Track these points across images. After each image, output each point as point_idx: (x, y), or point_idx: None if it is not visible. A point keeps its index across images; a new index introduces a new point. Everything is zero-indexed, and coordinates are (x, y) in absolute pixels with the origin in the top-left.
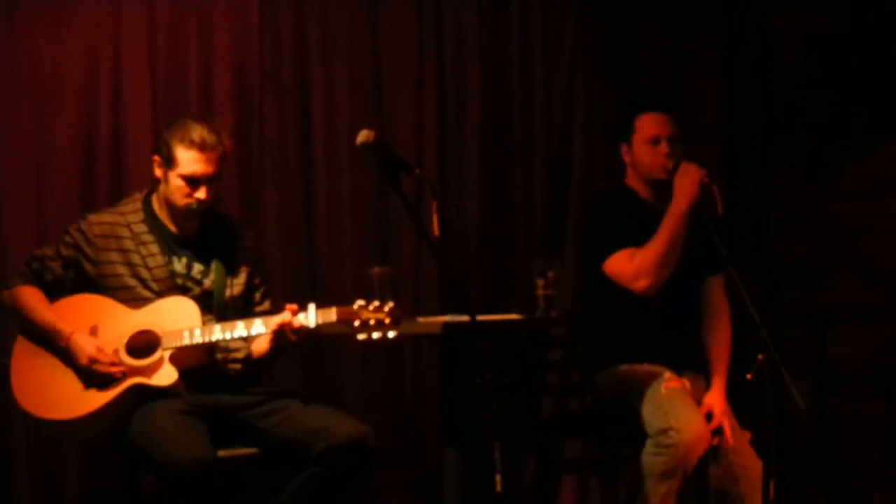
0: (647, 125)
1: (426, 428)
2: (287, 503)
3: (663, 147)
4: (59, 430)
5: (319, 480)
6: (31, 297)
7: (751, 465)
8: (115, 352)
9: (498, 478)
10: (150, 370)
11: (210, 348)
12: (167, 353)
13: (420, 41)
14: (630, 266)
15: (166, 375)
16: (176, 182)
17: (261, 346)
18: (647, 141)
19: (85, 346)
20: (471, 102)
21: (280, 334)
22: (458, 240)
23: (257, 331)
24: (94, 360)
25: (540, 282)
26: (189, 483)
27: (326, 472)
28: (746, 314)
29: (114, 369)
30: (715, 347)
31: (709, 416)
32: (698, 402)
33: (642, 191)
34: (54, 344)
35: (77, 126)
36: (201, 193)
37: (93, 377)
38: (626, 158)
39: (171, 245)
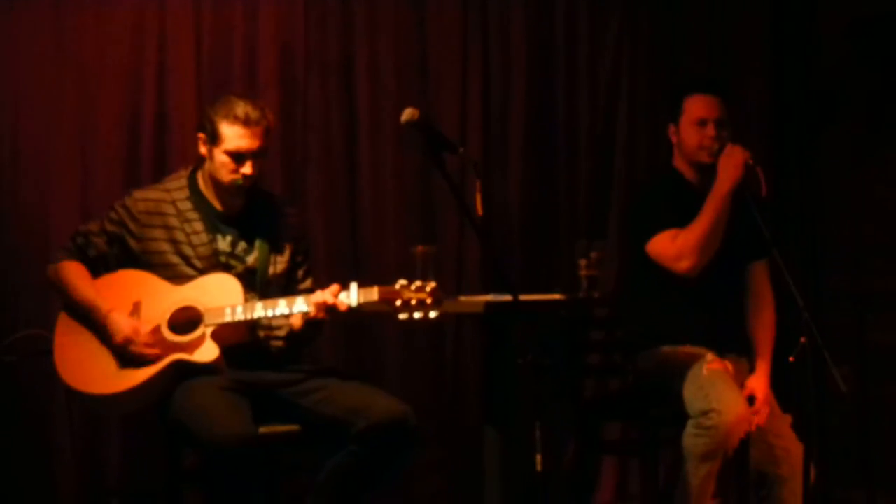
0: (695, 106)
1: (467, 407)
2: (326, 482)
3: (710, 129)
4: (101, 405)
5: (358, 459)
6: (74, 273)
7: (792, 449)
8: (157, 328)
9: (538, 458)
10: (191, 346)
11: (252, 326)
12: (209, 330)
13: (465, 21)
14: (673, 247)
15: (208, 352)
16: (221, 158)
17: (296, 321)
18: (693, 122)
19: (122, 324)
20: (516, 82)
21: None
22: (502, 219)
23: (299, 308)
24: (128, 341)
25: (583, 262)
26: (230, 460)
27: (366, 451)
28: (789, 297)
29: (148, 351)
30: (759, 333)
31: (751, 400)
32: (741, 385)
33: (688, 173)
34: (93, 321)
35: (122, 104)
36: (247, 169)
37: (127, 356)
38: (674, 139)
39: (215, 223)
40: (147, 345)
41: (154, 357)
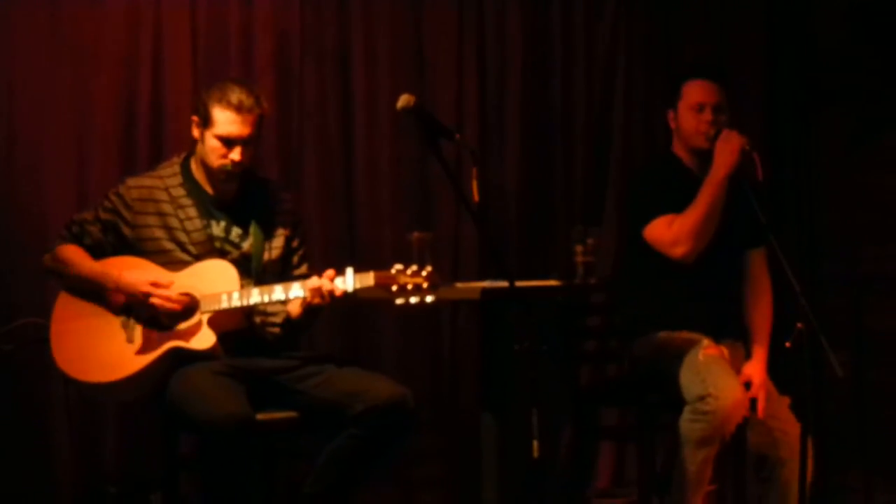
0: (693, 91)
1: (464, 394)
2: (324, 465)
3: (707, 114)
4: (98, 393)
5: (358, 442)
6: (75, 254)
7: (790, 430)
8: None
9: (535, 444)
10: (188, 333)
11: (248, 312)
12: (205, 317)
13: (461, 7)
14: (669, 232)
15: (204, 339)
16: (211, 142)
17: (294, 309)
18: (691, 107)
19: (139, 277)
20: (512, 69)
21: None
22: (498, 206)
23: (295, 294)
24: (157, 285)
25: (579, 248)
26: (227, 442)
27: (365, 433)
28: (786, 283)
29: (171, 304)
30: (756, 319)
31: (747, 386)
32: (737, 370)
33: (686, 158)
34: (102, 292)
35: (117, 90)
36: (236, 155)
37: (149, 316)
38: (672, 125)
39: (209, 208)
40: (170, 298)
41: (178, 308)
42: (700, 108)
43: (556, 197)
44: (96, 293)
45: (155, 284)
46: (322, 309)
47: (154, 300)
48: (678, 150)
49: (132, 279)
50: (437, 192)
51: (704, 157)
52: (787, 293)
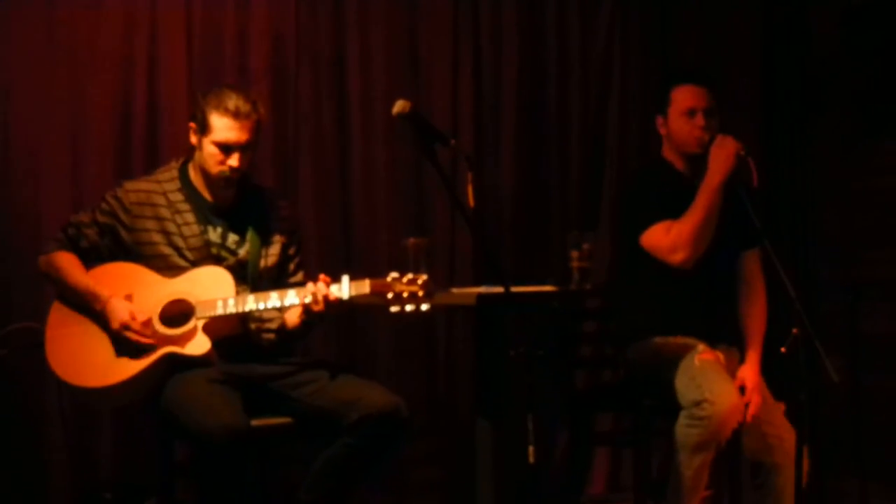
0: (683, 97)
1: (460, 399)
2: (319, 473)
3: (699, 120)
4: (93, 398)
5: (351, 451)
6: (68, 263)
7: (785, 436)
8: (149, 321)
9: (531, 449)
10: (183, 339)
11: (244, 318)
12: (201, 323)
13: (456, 12)
14: (667, 239)
15: (199, 345)
16: (209, 149)
17: (292, 319)
18: (682, 113)
19: (119, 310)
20: (507, 74)
21: (310, 306)
22: (493, 211)
23: (290, 301)
24: (125, 326)
25: (574, 254)
26: (221, 453)
27: (359, 442)
28: (781, 288)
29: (144, 339)
30: (750, 322)
31: (741, 390)
32: (732, 375)
33: (678, 163)
34: (91, 308)
35: (113, 93)
36: (234, 161)
37: (124, 344)
38: (662, 131)
39: (206, 214)
40: (143, 333)
41: (149, 345)
42: (691, 114)
43: (552, 201)
44: (87, 306)
45: (125, 325)
46: (319, 319)
47: (128, 333)
48: (669, 155)
49: (113, 310)
50: (432, 198)
51: (696, 162)
52: (783, 299)
